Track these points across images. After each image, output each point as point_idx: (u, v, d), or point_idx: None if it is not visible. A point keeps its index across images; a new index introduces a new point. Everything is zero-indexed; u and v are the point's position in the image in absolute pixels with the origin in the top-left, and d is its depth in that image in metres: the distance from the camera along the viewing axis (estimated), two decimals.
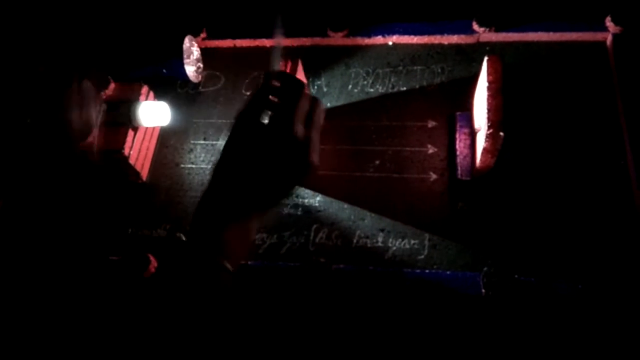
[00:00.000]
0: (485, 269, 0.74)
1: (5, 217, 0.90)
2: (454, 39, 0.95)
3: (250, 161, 0.53)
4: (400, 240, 0.80)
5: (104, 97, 0.91)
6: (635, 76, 0.85)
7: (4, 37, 1.06)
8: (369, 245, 0.80)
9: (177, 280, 0.51)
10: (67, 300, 0.80)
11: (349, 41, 0.99)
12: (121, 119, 0.87)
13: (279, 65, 0.61)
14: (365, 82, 0.95)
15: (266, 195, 0.54)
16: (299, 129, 0.52)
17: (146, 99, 0.92)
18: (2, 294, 0.80)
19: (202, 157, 0.93)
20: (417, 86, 0.93)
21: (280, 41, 0.66)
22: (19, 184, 0.92)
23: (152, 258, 0.81)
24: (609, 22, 0.90)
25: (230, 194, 0.53)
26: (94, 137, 0.87)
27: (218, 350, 0.50)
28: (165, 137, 0.96)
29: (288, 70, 0.76)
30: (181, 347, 0.49)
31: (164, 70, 0.96)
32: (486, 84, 0.73)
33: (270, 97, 0.55)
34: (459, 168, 0.83)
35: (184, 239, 0.80)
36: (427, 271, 0.77)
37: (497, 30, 0.93)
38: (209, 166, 0.91)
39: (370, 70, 0.96)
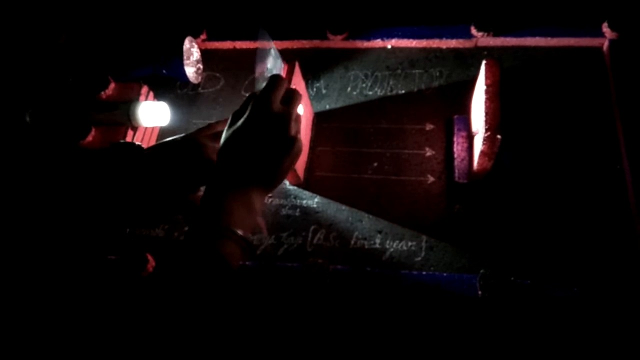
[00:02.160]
0: (481, 271, 0.75)
1: (2, 215, 0.90)
2: (453, 43, 0.96)
3: (242, 141, 0.58)
4: (397, 242, 0.81)
5: (104, 96, 0.91)
6: (631, 81, 0.85)
7: (4, 35, 1.07)
8: (366, 246, 0.81)
9: (179, 275, 0.52)
10: (65, 300, 0.80)
11: (349, 44, 0.99)
12: (121, 118, 0.87)
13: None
14: (364, 85, 0.96)
15: (260, 170, 0.58)
16: (276, 106, 0.59)
17: (146, 99, 0.93)
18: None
19: None
20: (416, 89, 0.94)
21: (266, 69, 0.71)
22: (17, 180, 0.92)
23: (150, 257, 0.81)
24: (605, 28, 0.90)
25: (231, 172, 0.57)
26: (92, 136, 0.87)
27: (216, 350, 0.51)
28: (164, 138, 0.96)
29: (285, 73, 0.77)
30: (179, 347, 0.49)
31: (164, 71, 0.96)
32: (484, 88, 0.73)
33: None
34: (457, 171, 0.83)
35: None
36: (424, 273, 0.77)
37: (495, 35, 0.94)
38: None
39: (369, 73, 0.97)
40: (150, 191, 0.65)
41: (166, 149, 0.66)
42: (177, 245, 0.54)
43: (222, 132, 0.64)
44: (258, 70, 0.72)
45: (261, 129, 0.58)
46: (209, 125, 0.68)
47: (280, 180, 0.61)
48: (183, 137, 0.67)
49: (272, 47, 0.73)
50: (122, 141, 0.81)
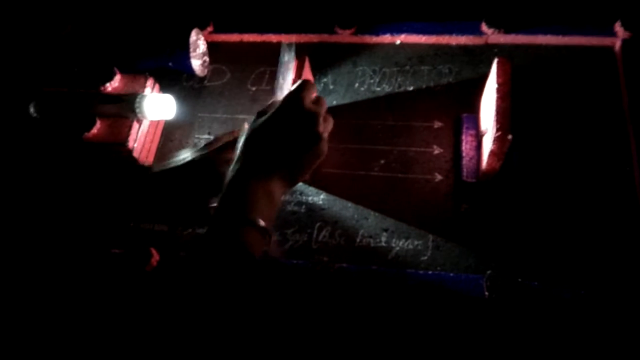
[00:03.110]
0: (488, 271, 0.74)
1: (6, 209, 0.90)
2: (462, 39, 0.95)
3: (270, 131, 0.60)
4: (403, 240, 0.80)
5: (109, 88, 0.90)
6: None
7: (7, 26, 1.06)
8: (372, 244, 0.80)
9: (202, 262, 0.52)
10: (68, 294, 0.79)
11: (357, 39, 0.98)
12: (126, 111, 0.86)
13: None
14: (372, 81, 0.95)
15: (284, 162, 0.59)
16: (307, 103, 0.61)
17: (152, 92, 0.92)
18: (3, 287, 0.79)
19: None
20: (424, 86, 0.93)
21: None
22: (21, 176, 0.92)
23: (154, 252, 0.81)
24: (618, 27, 0.89)
25: (255, 160, 0.59)
26: (97, 128, 0.87)
27: (219, 346, 0.50)
28: (170, 131, 0.95)
29: (295, 68, 0.76)
30: (182, 343, 0.48)
31: (170, 63, 0.95)
32: (495, 86, 0.72)
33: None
34: (465, 170, 0.82)
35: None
36: (430, 272, 0.76)
37: (506, 32, 0.92)
38: None
39: (377, 69, 0.96)
40: (160, 209, 0.68)
41: (178, 172, 0.69)
42: (201, 234, 0.55)
43: (228, 143, 0.67)
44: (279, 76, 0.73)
45: (290, 121, 0.60)
46: (216, 139, 0.70)
47: (302, 176, 0.62)
48: (194, 158, 0.69)
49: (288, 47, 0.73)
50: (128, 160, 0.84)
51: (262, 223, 0.55)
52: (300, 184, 0.87)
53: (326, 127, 0.63)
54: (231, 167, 0.60)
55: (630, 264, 0.74)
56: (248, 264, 0.53)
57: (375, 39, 0.98)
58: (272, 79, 0.97)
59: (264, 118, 0.61)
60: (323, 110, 0.63)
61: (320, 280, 0.77)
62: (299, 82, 0.64)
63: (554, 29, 0.92)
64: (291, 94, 0.62)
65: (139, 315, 0.52)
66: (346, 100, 0.94)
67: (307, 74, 0.79)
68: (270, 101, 0.65)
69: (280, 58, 0.70)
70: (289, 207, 0.85)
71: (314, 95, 0.64)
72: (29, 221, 0.87)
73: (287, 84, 0.73)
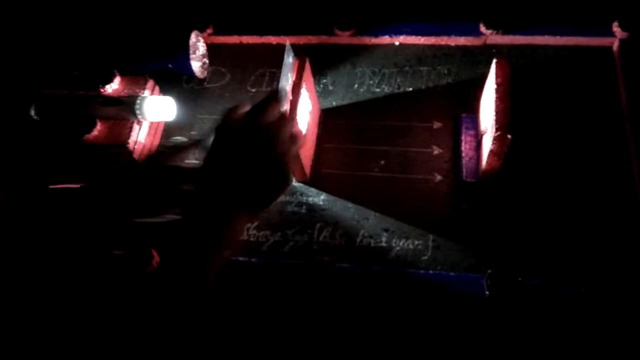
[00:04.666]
0: (489, 271, 0.74)
1: (7, 210, 0.90)
2: (461, 40, 0.95)
3: (227, 160, 0.56)
4: (404, 240, 0.80)
5: (110, 90, 0.90)
6: None
7: (7, 28, 1.06)
8: (372, 245, 0.80)
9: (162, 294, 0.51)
10: (69, 296, 0.79)
11: (356, 40, 0.98)
12: (126, 113, 0.86)
13: None
14: (371, 82, 0.95)
15: (246, 193, 0.55)
16: (266, 121, 0.56)
17: (152, 94, 0.92)
18: (4, 289, 0.79)
19: None
20: (423, 87, 0.93)
21: None
22: (22, 177, 0.92)
23: (155, 253, 0.81)
24: (615, 28, 0.90)
25: (214, 197, 0.54)
26: (98, 130, 0.87)
27: (220, 347, 0.50)
28: (170, 133, 0.96)
29: (296, 69, 0.76)
30: (182, 344, 0.49)
31: (170, 65, 0.95)
32: (494, 87, 0.73)
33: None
34: (464, 170, 0.83)
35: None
36: (430, 272, 0.77)
37: (504, 33, 0.93)
38: None
39: (377, 70, 0.96)
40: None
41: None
42: (163, 265, 0.54)
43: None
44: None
45: (247, 145, 0.55)
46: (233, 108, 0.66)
47: (268, 204, 0.58)
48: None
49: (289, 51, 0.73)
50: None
51: (225, 254, 0.53)
52: (301, 184, 0.87)
53: (290, 146, 0.58)
54: (193, 197, 0.55)
55: (630, 262, 0.74)
56: (205, 296, 0.51)
57: (374, 40, 0.98)
58: (272, 80, 0.98)
59: (220, 143, 0.56)
60: (286, 127, 0.58)
61: (321, 281, 0.77)
62: (264, 97, 0.60)
63: (552, 29, 0.92)
64: (249, 113, 0.57)
65: (140, 316, 0.52)
66: (346, 101, 0.94)
67: (308, 75, 0.79)
68: (225, 111, 0.60)
69: (284, 60, 0.69)
70: (290, 208, 0.85)
71: (279, 111, 0.59)
72: (30, 223, 0.87)
73: (289, 86, 0.73)
